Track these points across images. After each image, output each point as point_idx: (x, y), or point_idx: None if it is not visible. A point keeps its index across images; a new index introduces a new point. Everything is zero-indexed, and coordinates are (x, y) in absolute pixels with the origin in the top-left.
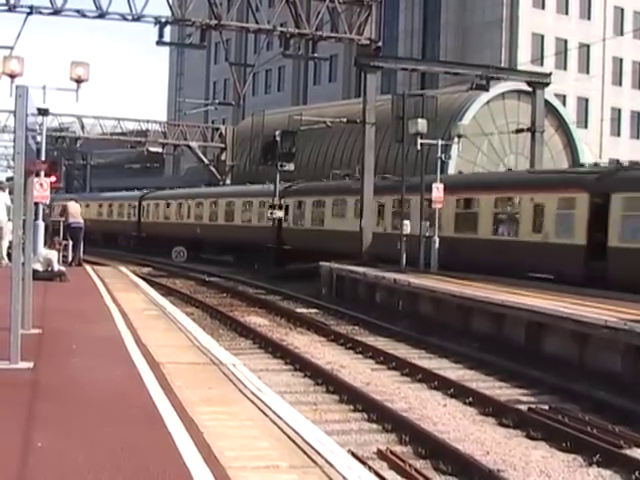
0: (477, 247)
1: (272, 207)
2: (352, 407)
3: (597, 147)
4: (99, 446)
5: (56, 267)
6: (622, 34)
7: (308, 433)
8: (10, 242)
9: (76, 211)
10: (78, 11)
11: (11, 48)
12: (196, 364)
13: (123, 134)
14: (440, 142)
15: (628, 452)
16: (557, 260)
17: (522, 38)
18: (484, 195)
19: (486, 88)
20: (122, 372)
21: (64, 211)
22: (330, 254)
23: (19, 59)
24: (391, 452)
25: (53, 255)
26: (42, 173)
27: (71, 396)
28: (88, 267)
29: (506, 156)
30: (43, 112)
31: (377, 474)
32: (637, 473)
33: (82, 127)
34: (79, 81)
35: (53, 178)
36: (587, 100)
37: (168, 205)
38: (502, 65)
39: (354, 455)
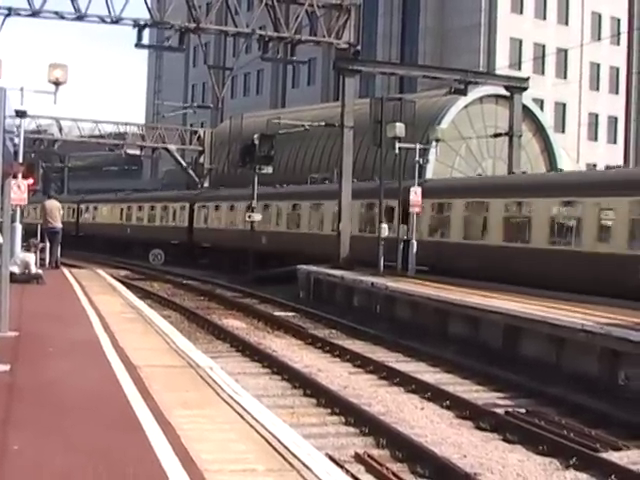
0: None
1: (250, 210)
2: (329, 410)
3: (574, 152)
4: (76, 449)
5: (33, 270)
6: (599, 39)
7: (285, 436)
8: None
9: (54, 211)
10: (57, 13)
11: None
12: (173, 367)
13: (101, 136)
14: (418, 146)
15: (605, 455)
16: None
17: (500, 43)
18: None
19: (464, 92)
20: (99, 375)
21: (42, 210)
22: (229, 249)
23: None
24: (368, 455)
25: (30, 258)
26: (20, 175)
27: (48, 399)
28: (65, 269)
29: (484, 160)
30: (21, 114)
31: (354, 477)
32: (613, 476)
33: (60, 129)
34: (57, 83)
35: (31, 180)
36: (564, 105)
37: (96, 208)
38: (480, 70)
39: (331, 458)
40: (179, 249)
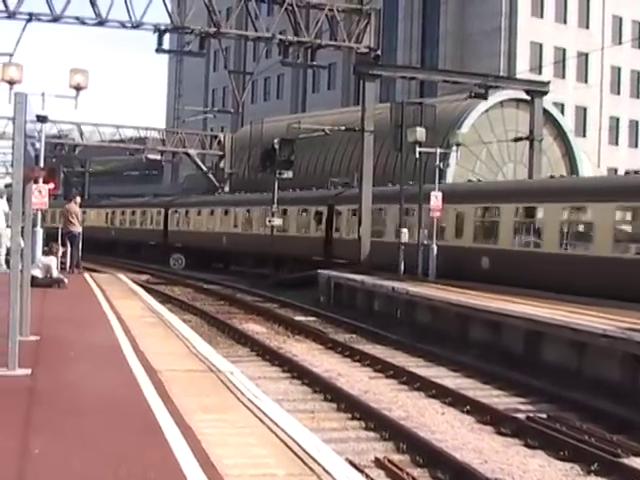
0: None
1: (272, 215)
2: (350, 415)
3: (595, 156)
4: (96, 453)
5: (55, 274)
6: (620, 43)
7: (306, 441)
8: (8, 249)
9: (73, 215)
10: (77, 18)
11: (10, 55)
12: (194, 371)
13: (122, 141)
14: (439, 150)
15: (626, 461)
16: None
17: (521, 47)
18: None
19: (485, 97)
20: (120, 379)
21: (63, 214)
22: (197, 248)
23: (18, 66)
24: (389, 460)
25: (52, 261)
26: (41, 180)
27: (69, 403)
28: (86, 274)
29: (505, 164)
30: (42, 119)
31: None
32: None
33: (81, 134)
34: (78, 88)
35: (52, 185)
36: (585, 109)
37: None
38: (501, 74)
39: (352, 463)
40: (156, 249)
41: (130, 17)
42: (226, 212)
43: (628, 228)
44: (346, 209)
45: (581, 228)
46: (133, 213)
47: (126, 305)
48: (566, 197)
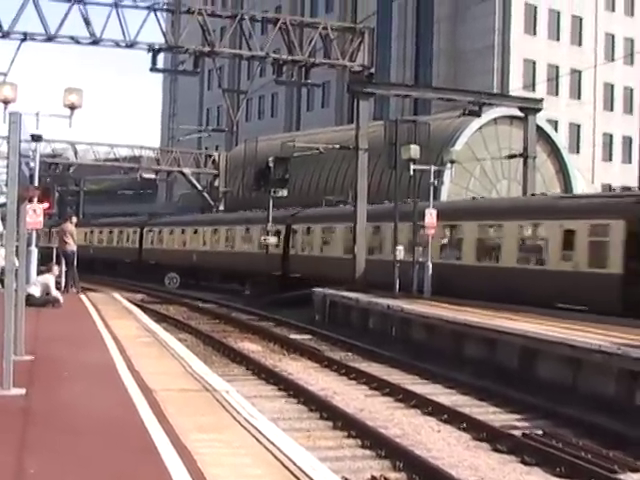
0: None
1: (267, 233)
2: (346, 433)
3: (589, 172)
4: (91, 473)
5: (53, 292)
6: (613, 60)
7: (302, 460)
8: (2, 268)
9: (68, 234)
10: (72, 37)
11: (5, 74)
12: (189, 391)
13: (116, 160)
14: (433, 168)
15: (622, 477)
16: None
17: (514, 64)
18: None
19: (478, 114)
20: (115, 399)
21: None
22: (169, 265)
23: (12, 85)
24: (385, 479)
25: (51, 280)
26: (35, 199)
27: (64, 423)
28: (80, 293)
29: (498, 182)
30: (36, 138)
31: None
32: None
33: (75, 153)
34: (72, 107)
35: (46, 204)
36: (579, 126)
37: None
38: (494, 91)
39: None
40: (131, 266)
41: (124, 36)
42: (195, 231)
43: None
44: (301, 228)
45: (495, 243)
46: (110, 232)
47: (121, 324)
48: (480, 216)
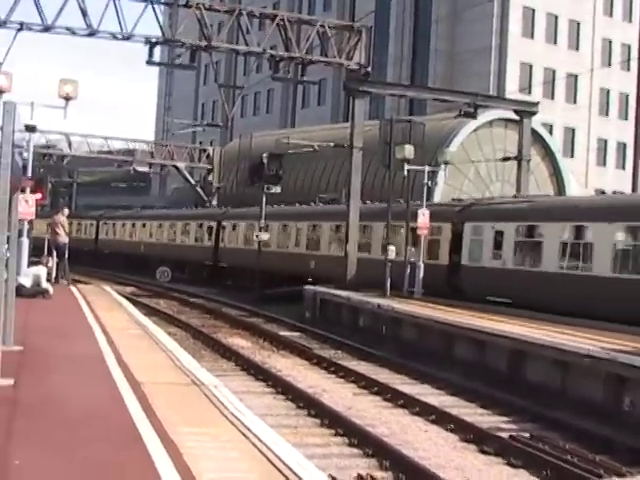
0: None
1: (259, 230)
2: (333, 431)
3: (583, 176)
4: (78, 465)
5: (44, 284)
6: (610, 65)
7: (288, 456)
8: None
9: (59, 225)
10: (68, 29)
11: (0, 63)
12: (178, 384)
13: (110, 152)
14: (427, 168)
15: None
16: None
17: (511, 67)
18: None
19: (474, 116)
20: (103, 391)
21: (55, 224)
22: (122, 254)
23: (7, 75)
24: (371, 477)
25: (42, 271)
26: (28, 190)
27: (51, 414)
28: (71, 285)
29: (492, 184)
30: (30, 129)
31: None
32: None
33: (69, 145)
34: (67, 98)
35: (39, 195)
36: (574, 130)
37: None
38: (490, 93)
39: (334, 479)
40: (89, 254)
41: (121, 29)
42: (144, 225)
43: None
44: (229, 224)
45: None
46: (70, 224)
47: (111, 317)
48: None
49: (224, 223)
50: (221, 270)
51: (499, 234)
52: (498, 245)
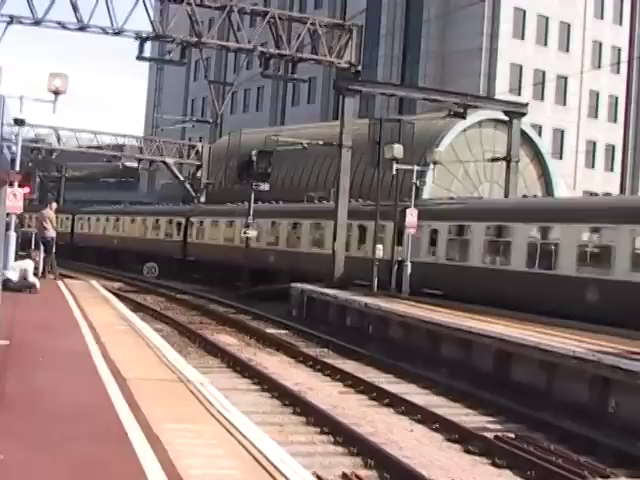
0: None
1: (246, 227)
2: (318, 429)
3: (572, 178)
4: (62, 461)
5: (31, 278)
6: (599, 67)
7: (273, 454)
8: None
9: (47, 220)
10: (59, 23)
11: None
12: (163, 381)
13: (99, 148)
14: (416, 168)
15: None
16: None
17: (501, 68)
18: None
19: (463, 116)
20: (88, 387)
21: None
22: (97, 247)
23: None
24: (356, 476)
25: (30, 265)
26: (16, 183)
27: (36, 409)
28: (58, 280)
29: (481, 184)
30: (19, 122)
31: None
32: None
33: (58, 139)
34: (57, 93)
35: (27, 189)
36: (563, 132)
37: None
38: (480, 94)
39: (319, 478)
40: (65, 247)
41: (112, 23)
42: (117, 220)
43: None
44: (197, 220)
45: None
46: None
47: (98, 312)
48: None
49: (192, 219)
50: (189, 264)
51: (434, 232)
52: (433, 242)
